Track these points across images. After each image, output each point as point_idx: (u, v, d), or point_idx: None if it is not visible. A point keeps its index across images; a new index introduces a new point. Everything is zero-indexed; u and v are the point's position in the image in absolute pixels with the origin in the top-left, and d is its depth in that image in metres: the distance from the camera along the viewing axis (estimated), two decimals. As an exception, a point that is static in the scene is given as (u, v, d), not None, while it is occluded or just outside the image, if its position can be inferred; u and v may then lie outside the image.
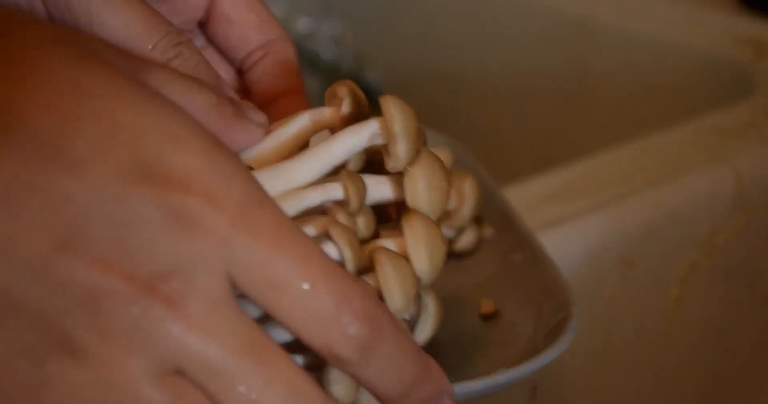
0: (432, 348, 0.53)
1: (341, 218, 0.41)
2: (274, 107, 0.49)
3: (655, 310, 0.74)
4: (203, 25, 0.51)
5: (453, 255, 0.60)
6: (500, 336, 0.53)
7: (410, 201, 0.44)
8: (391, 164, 0.43)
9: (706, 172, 0.75)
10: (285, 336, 0.36)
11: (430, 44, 1.16)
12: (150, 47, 0.44)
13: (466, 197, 0.58)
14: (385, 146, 0.44)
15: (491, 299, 0.55)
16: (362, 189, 0.42)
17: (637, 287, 0.72)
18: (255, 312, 0.35)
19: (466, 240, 0.59)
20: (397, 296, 0.40)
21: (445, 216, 0.59)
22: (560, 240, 0.63)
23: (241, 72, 0.52)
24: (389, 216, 0.45)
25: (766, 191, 0.78)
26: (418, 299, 0.42)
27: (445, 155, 0.63)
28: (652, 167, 0.75)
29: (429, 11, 1.16)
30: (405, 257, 0.42)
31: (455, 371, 0.51)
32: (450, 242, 0.60)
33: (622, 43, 0.99)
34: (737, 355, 0.81)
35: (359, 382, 0.36)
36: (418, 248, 0.42)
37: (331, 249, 0.40)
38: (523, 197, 0.68)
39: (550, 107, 1.05)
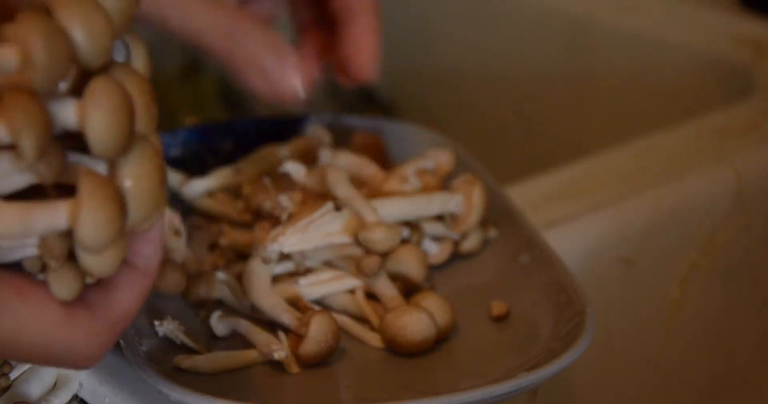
0: (446, 350, 0.53)
1: None
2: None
3: (655, 310, 0.74)
4: None
5: (459, 256, 0.60)
6: (514, 338, 0.53)
7: None
8: None
9: (706, 172, 0.75)
10: None
11: (430, 44, 1.16)
12: None
13: (474, 205, 0.59)
14: None
15: (502, 300, 0.55)
16: None
17: (637, 287, 0.72)
18: None
19: (471, 242, 0.59)
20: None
21: (453, 221, 0.59)
22: (560, 240, 0.63)
23: None
24: None
25: (766, 191, 0.78)
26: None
27: (446, 157, 0.64)
28: (653, 167, 0.75)
29: (429, 11, 1.16)
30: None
31: (472, 374, 0.51)
32: (456, 244, 0.60)
33: (622, 43, 0.99)
34: (737, 355, 0.81)
35: None
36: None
37: None
38: (523, 197, 0.68)
39: (550, 107, 1.05)
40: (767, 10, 0.98)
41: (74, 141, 0.39)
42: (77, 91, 0.39)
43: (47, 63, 0.37)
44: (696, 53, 0.94)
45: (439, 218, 0.59)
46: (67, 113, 0.38)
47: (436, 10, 1.15)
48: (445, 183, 0.62)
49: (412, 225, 0.58)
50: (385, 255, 0.56)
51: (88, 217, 0.38)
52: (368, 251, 0.56)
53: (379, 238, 0.55)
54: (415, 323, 0.52)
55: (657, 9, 1.00)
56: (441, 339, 0.53)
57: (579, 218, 0.69)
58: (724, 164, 0.76)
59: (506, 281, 0.57)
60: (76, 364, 0.41)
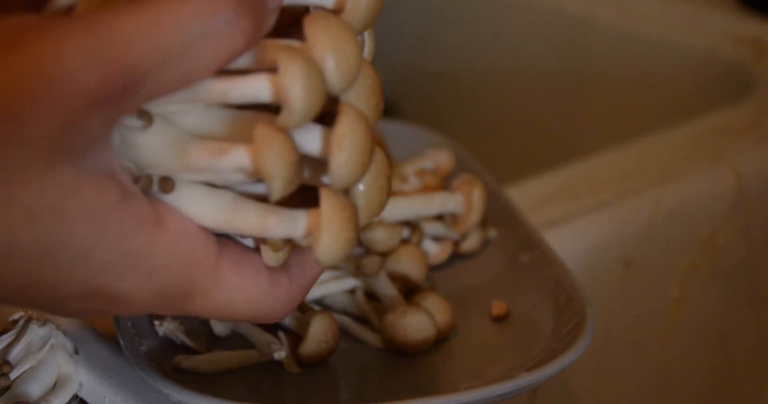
0: (446, 350, 0.53)
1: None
2: None
3: (655, 310, 0.74)
4: None
5: (459, 256, 0.60)
6: (514, 338, 0.53)
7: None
8: None
9: (706, 172, 0.75)
10: None
11: (431, 45, 1.16)
12: None
13: (474, 206, 0.59)
14: None
15: (502, 300, 0.55)
16: None
17: (637, 287, 0.72)
18: None
19: (471, 242, 0.59)
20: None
21: (453, 221, 0.59)
22: (560, 240, 0.63)
23: None
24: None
25: (766, 191, 0.78)
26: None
27: (446, 157, 0.64)
28: (652, 167, 0.75)
29: (430, 12, 1.16)
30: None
31: (472, 374, 0.51)
32: (456, 244, 0.60)
33: (622, 43, 0.99)
34: (737, 354, 0.81)
35: None
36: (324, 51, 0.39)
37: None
38: (523, 197, 0.68)
39: (550, 107, 1.05)
40: (767, 10, 0.98)
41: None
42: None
43: (303, 111, 0.37)
44: (696, 53, 0.94)
45: (439, 218, 0.59)
46: (312, 144, 0.39)
47: (436, 10, 1.15)
48: (445, 183, 0.62)
49: (412, 225, 0.58)
50: (385, 255, 0.56)
51: (327, 239, 0.39)
52: (368, 250, 0.56)
53: (380, 238, 0.55)
54: (415, 323, 0.52)
55: (657, 9, 1.00)
56: (441, 339, 0.53)
57: (579, 218, 0.69)
58: (724, 164, 0.76)
59: (506, 281, 0.57)
60: (268, 320, 0.43)
